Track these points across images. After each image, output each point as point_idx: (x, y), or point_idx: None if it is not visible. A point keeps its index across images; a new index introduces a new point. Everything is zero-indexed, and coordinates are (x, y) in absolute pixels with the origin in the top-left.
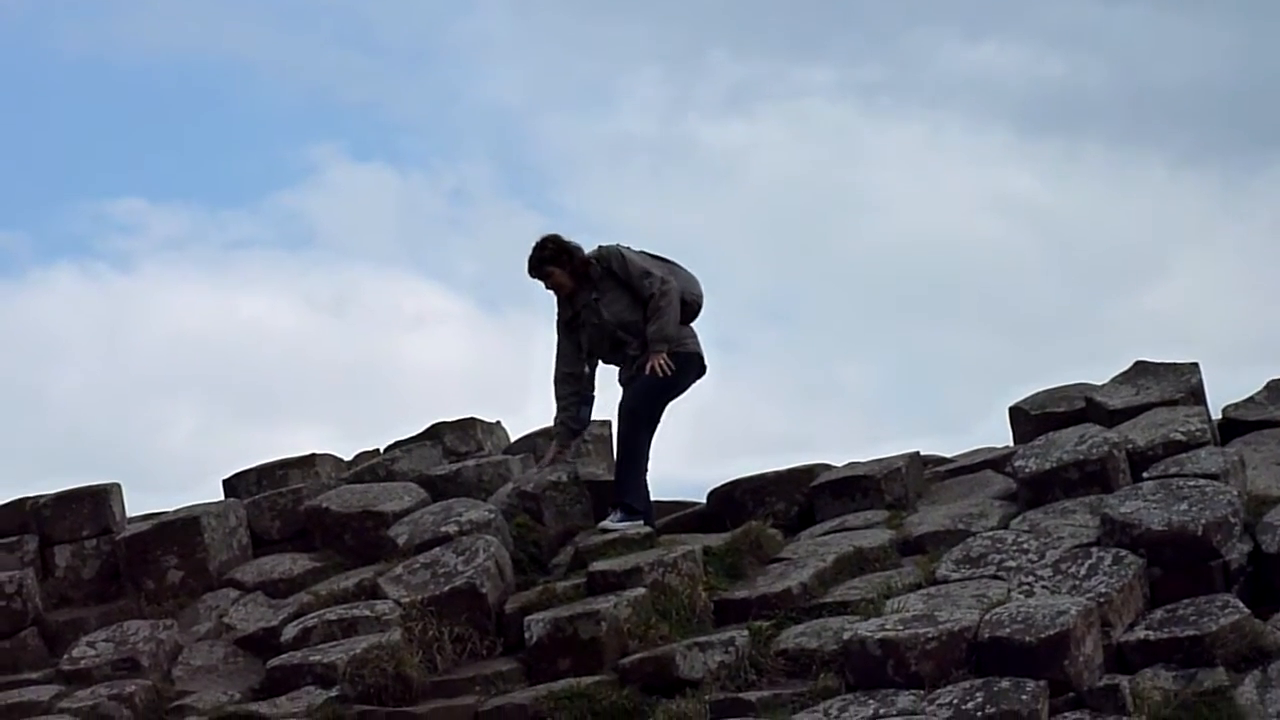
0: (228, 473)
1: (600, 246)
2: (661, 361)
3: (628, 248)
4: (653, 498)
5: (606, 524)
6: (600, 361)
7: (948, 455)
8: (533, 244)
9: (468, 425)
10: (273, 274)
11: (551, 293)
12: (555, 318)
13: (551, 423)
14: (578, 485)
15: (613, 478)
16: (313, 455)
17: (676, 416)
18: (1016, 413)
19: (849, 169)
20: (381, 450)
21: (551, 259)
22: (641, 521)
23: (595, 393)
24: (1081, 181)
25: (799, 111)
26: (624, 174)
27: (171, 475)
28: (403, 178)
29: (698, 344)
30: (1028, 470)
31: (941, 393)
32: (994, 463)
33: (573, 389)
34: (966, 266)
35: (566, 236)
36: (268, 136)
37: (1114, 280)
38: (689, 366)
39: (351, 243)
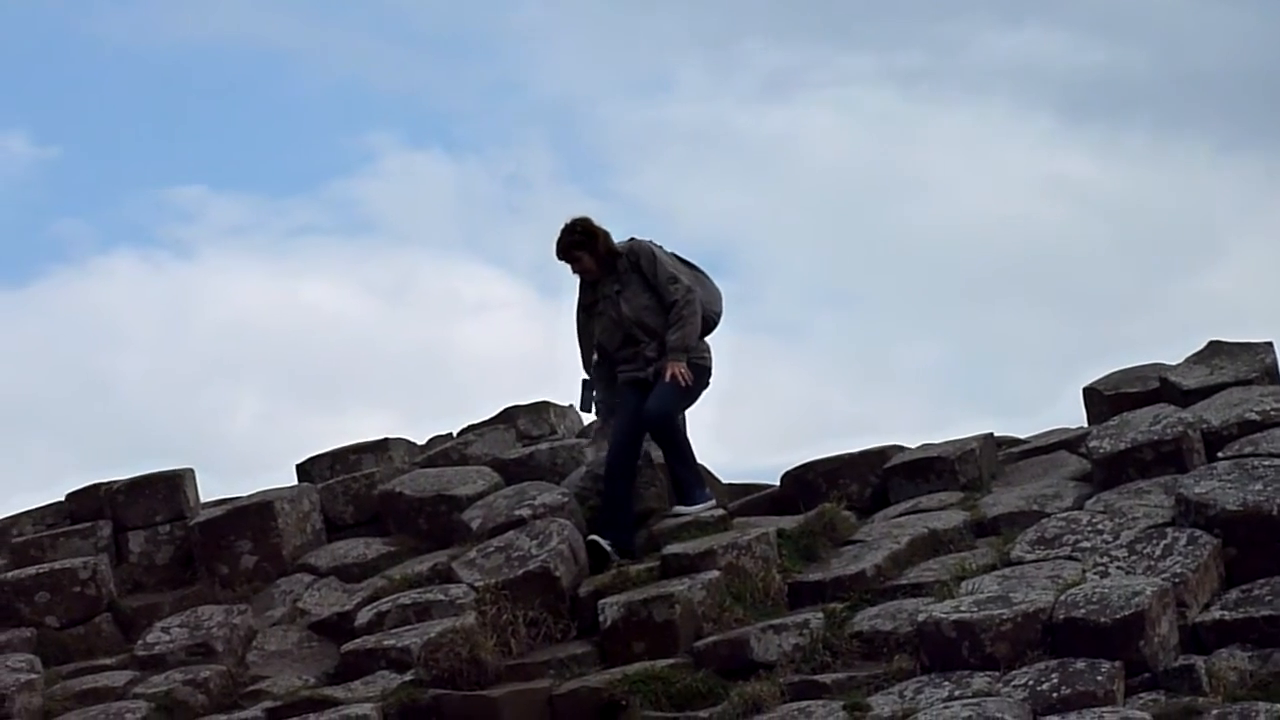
0: (292, 459)
1: (632, 239)
2: (681, 370)
3: (659, 247)
4: (725, 481)
5: (680, 508)
6: (606, 357)
7: (1021, 436)
8: (561, 226)
9: (541, 409)
10: (333, 261)
11: (577, 276)
12: (575, 302)
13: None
14: (651, 468)
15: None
16: (386, 440)
17: (741, 400)
18: (1091, 393)
19: (900, 154)
20: (454, 434)
21: (580, 244)
22: (713, 501)
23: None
24: (1129, 166)
25: (842, 98)
26: (679, 160)
27: (236, 461)
28: (459, 165)
29: (710, 358)
30: (1102, 451)
31: (1005, 374)
32: (1068, 443)
33: (600, 372)
34: (1022, 249)
35: (597, 221)
36: (322, 125)
37: (1172, 262)
38: (701, 380)
39: (410, 229)
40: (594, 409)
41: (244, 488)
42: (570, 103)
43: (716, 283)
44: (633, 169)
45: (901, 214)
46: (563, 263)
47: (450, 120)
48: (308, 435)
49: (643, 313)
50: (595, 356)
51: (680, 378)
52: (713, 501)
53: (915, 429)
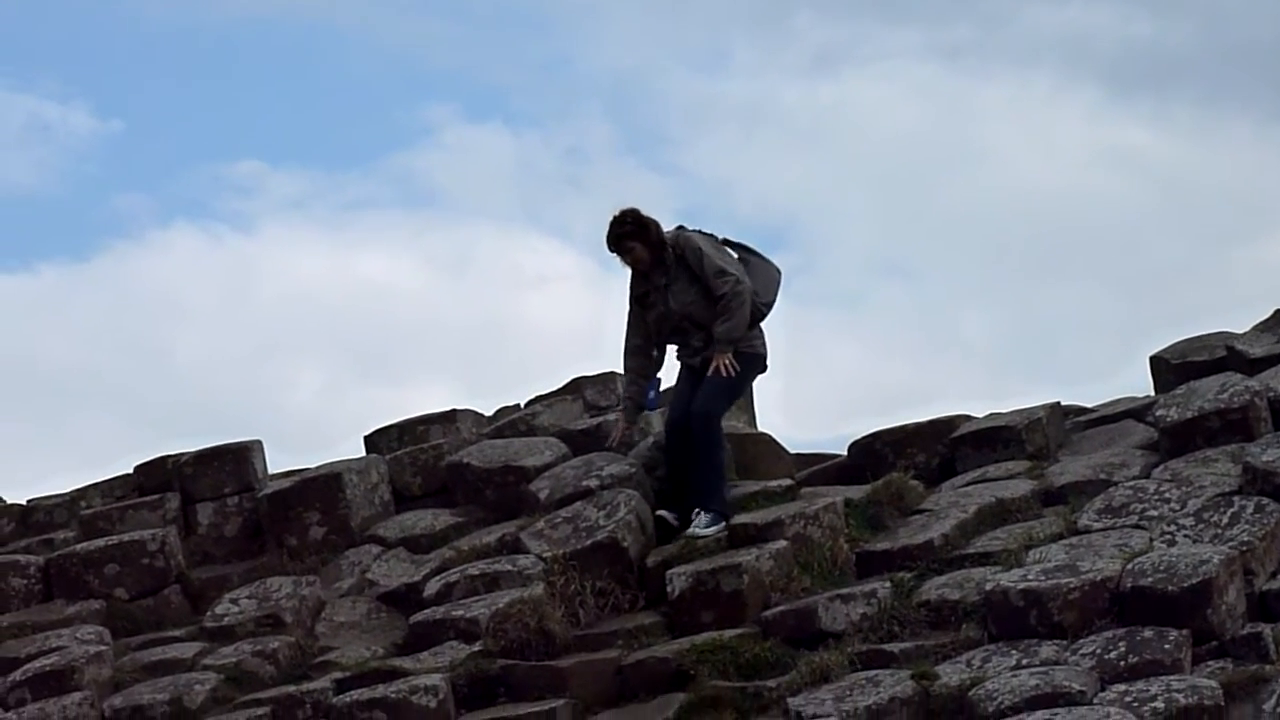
0: (353, 431)
1: (679, 228)
2: (726, 362)
3: (709, 238)
4: (793, 450)
5: (695, 530)
6: (662, 344)
7: (1088, 405)
8: (610, 218)
9: (608, 379)
10: (392, 234)
11: (628, 268)
12: (628, 290)
13: (621, 398)
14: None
15: (704, 472)
16: (453, 411)
17: (802, 374)
18: (1157, 362)
19: (953, 127)
20: (522, 405)
21: (631, 234)
22: (724, 524)
23: (661, 374)
24: (1177, 138)
25: (890, 73)
26: (736, 133)
27: (299, 434)
28: (518, 138)
29: (764, 344)
30: (1169, 419)
31: (1063, 345)
32: (1135, 412)
33: (640, 364)
34: (1076, 219)
35: (645, 211)
36: (378, 100)
37: (1227, 232)
38: (752, 367)
39: (469, 202)
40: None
41: (305, 460)
42: (627, 77)
43: (775, 261)
44: (690, 142)
45: (955, 185)
46: (614, 255)
47: (508, 94)
48: (369, 408)
49: (690, 307)
50: (653, 346)
51: (725, 370)
52: (722, 525)
53: (975, 399)
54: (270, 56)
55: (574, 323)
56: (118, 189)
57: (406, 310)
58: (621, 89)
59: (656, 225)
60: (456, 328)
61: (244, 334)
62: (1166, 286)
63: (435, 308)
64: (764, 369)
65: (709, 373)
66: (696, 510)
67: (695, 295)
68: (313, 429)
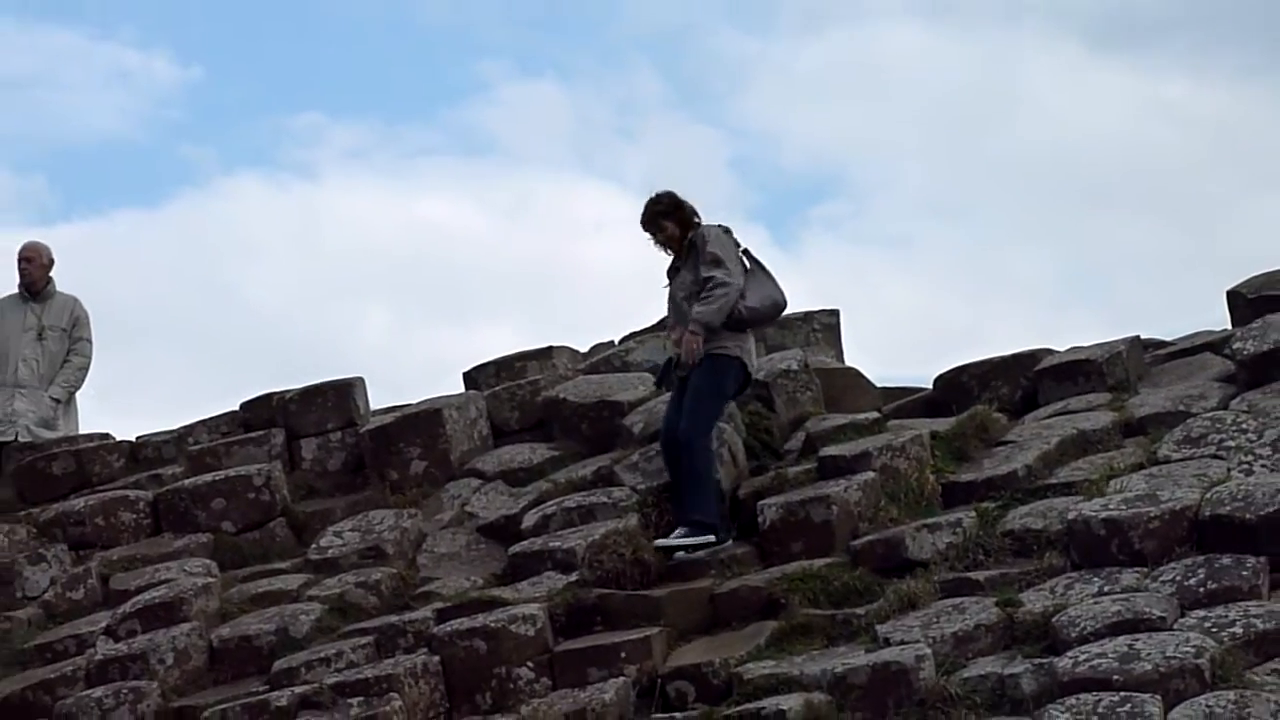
0: (425, 371)
1: (710, 225)
2: (691, 342)
3: (726, 234)
4: (880, 385)
5: (667, 541)
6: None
7: (1167, 339)
8: (647, 199)
9: None
10: (452, 182)
11: (660, 248)
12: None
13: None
14: (808, 373)
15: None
16: (550, 348)
17: (858, 314)
18: (1234, 296)
19: (994, 79)
20: (616, 342)
21: (665, 213)
22: (713, 537)
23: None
24: (1168, 90)
25: (879, 31)
26: (775, 88)
27: (370, 374)
28: (570, 92)
29: (744, 352)
30: (1246, 352)
31: (1117, 284)
32: (1213, 345)
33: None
34: (1111, 164)
35: (681, 195)
36: (430, 58)
37: (1252, 177)
38: (727, 370)
39: (525, 152)
40: (661, 384)
41: (380, 399)
42: (672, 33)
43: (781, 285)
44: (735, 95)
45: (991, 133)
46: (647, 234)
47: (558, 51)
48: (436, 348)
49: (681, 295)
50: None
51: (688, 346)
52: (704, 538)
53: (1030, 338)
54: (323, 12)
55: (630, 266)
56: (183, 139)
57: (468, 254)
58: (667, 45)
59: (692, 209)
60: (517, 271)
61: (312, 278)
62: (1212, 227)
63: (496, 252)
64: (747, 380)
65: (682, 354)
66: (678, 520)
67: (691, 285)
68: (383, 369)
